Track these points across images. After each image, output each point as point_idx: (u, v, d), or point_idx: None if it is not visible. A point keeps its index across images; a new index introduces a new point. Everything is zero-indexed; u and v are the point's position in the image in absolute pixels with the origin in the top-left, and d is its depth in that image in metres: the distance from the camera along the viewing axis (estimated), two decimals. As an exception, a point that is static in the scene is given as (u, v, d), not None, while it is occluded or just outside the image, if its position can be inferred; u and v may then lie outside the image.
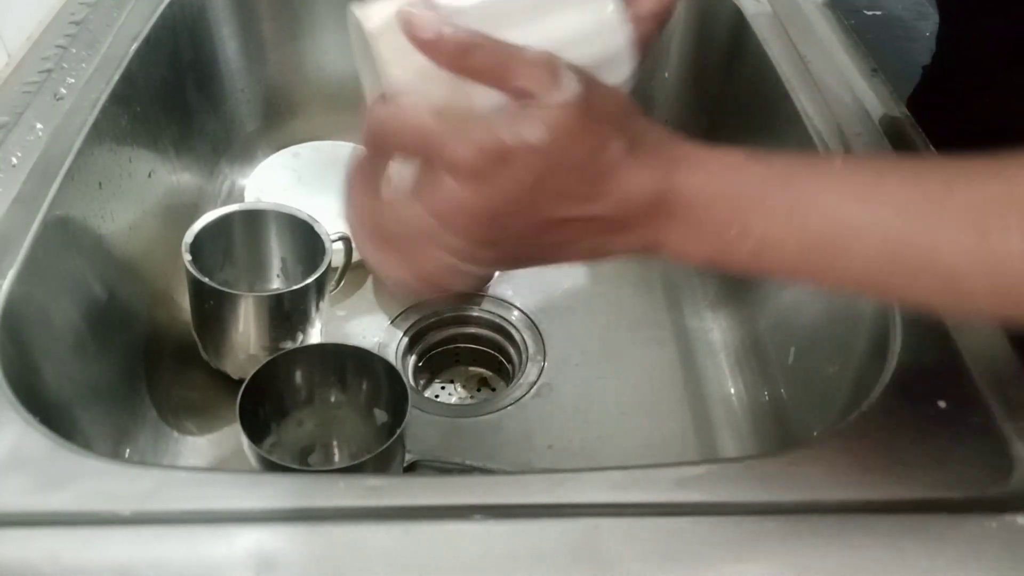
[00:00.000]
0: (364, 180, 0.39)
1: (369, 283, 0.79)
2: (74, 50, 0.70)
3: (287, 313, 0.64)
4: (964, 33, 0.72)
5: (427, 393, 0.73)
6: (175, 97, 0.78)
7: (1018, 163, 0.34)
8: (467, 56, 0.36)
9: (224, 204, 0.78)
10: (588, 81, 0.36)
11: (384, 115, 0.37)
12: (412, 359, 0.74)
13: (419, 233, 0.37)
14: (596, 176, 0.36)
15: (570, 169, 0.36)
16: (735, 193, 0.37)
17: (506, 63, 0.36)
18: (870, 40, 0.78)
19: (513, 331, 0.74)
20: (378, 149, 0.38)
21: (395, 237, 0.38)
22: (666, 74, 0.88)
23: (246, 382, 0.56)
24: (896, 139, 0.65)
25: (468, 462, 0.62)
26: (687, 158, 0.38)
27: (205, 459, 0.65)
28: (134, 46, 0.71)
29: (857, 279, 0.38)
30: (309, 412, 0.61)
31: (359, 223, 0.40)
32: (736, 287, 0.76)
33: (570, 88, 0.35)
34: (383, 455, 0.53)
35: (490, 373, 0.76)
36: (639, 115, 0.38)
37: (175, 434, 0.66)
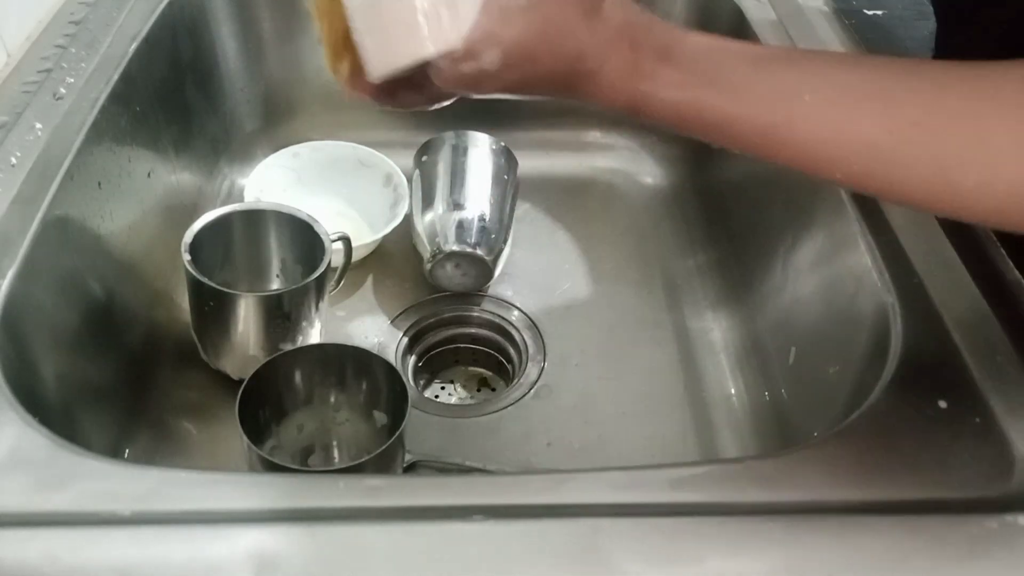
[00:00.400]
0: None
1: (369, 283, 0.79)
2: (73, 50, 0.70)
3: (287, 313, 0.64)
4: (961, 34, 0.72)
5: (427, 393, 0.73)
6: (174, 97, 0.78)
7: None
8: None
9: (223, 204, 0.78)
10: None
11: None
12: (412, 359, 0.74)
13: None
14: (564, 83, 0.43)
15: (534, 76, 0.42)
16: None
17: None
18: (870, 40, 0.78)
19: (513, 331, 0.74)
20: None
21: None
22: (666, 74, 0.88)
23: (246, 382, 0.56)
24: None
25: (468, 462, 0.62)
26: (658, 76, 0.42)
27: (205, 459, 0.65)
28: (133, 46, 0.71)
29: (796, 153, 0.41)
30: (309, 412, 0.61)
31: None
32: (737, 287, 0.76)
33: None
34: (383, 455, 0.53)
35: (490, 373, 0.76)
36: None
37: (175, 434, 0.66)
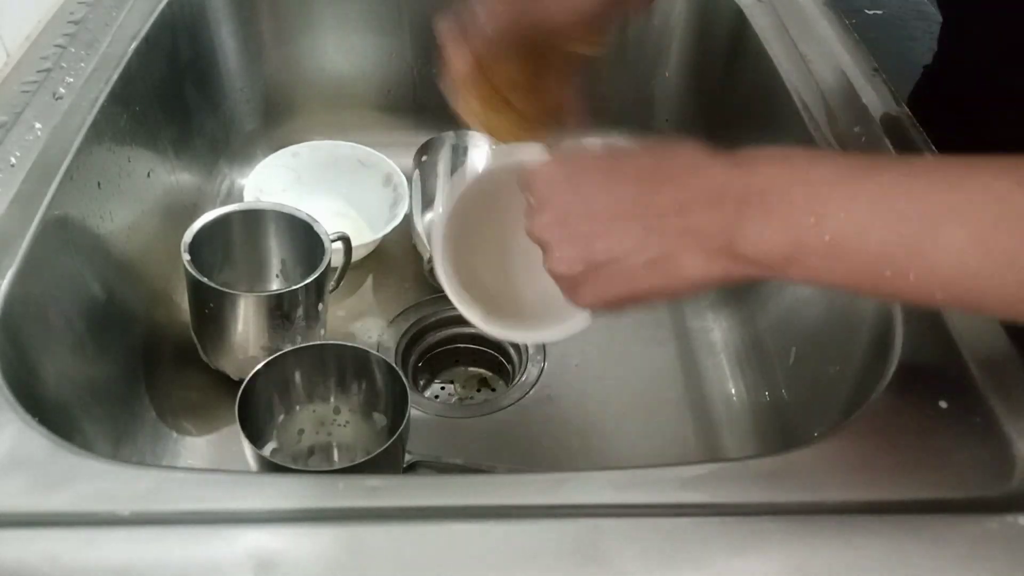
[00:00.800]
0: None
1: (369, 283, 0.79)
2: (73, 49, 0.70)
3: (286, 313, 0.64)
4: (966, 33, 0.72)
5: (427, 393, 0.73)
6: (174, 97, 0.78)
7: None
8: None
9: (223, 204, 0.78)
10: None
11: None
12: (412, 359, 0.74)
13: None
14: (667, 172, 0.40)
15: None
16: (812, 179, 0.37)
17: None
18: (871, 39, 0.78)
19: (513, 331, 0.74)
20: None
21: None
22: (666, 74, 0.88)
23: (245, 382, 0.56)
24: (897, 138, 0.65)
25: (468, 462, 0.62)
26: (758, 155, 0.38)
27: (204, 459, 0.65)
28: (133, 45, 0.71)
29: (944, 275, 0.36)
30: (309, 413, 0.61)
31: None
32: (737, 288, 0.76)
33: None
34: (383, 455, 0.53)
35: (490, 373, 0.76)
36: None
37: (174, 434, 0.66)
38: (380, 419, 0.60)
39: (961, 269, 0.35)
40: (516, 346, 0.74)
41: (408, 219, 0.77)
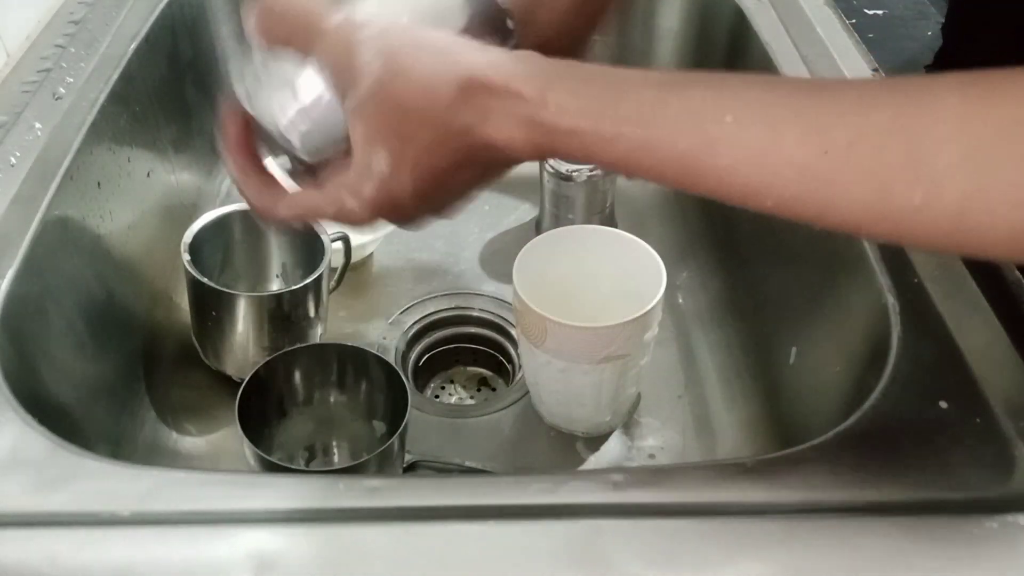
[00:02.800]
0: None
1: (369, 283, 0.79)
2: (73, 49, 0.70)
3: (286, 313, 0.64)
4: (967, 32, 0.72)
5: (427, 393, 0.73)
6: (174, 96, 0.78)
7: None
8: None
9: (223, 204, 0.78)
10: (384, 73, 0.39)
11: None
12: (412, 359, 0.74)
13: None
14: (465, 155, 0.40)
15: (433, 162, 0.40)
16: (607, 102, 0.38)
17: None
18: (871, 40, 0.78)
19: (513, 331, 0.74)
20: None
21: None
22: (666, 74, 0.88)
23: (245, 382, 0.56)
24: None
25: (468, 462, 0.62)
26: (547, 104, 0.38)
27: (204, 460, 0.65)
28: (133, 45, 0.71)
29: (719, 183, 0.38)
30: (309, 412, 0.61)
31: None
32: (737, 287, 0.76)
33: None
34: (383, 455, 0.53)
35: (490, 373, 0.76)
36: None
37: (174, 435, 0.66)
38: (380, 419, 0.60)
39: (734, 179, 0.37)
40: (516, 346, 0.74)
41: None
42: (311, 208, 0.44)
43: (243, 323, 0.64)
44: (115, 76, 0.67)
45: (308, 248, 0.67)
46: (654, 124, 0.37)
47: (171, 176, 0.76)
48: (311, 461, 0.63)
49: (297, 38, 0.41)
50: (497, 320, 0.76)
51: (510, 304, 0.76)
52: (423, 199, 0.41)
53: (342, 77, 0.40)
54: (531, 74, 0.39)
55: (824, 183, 0.35)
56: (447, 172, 0.41)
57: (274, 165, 0.47)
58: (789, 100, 0.37)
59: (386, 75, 0.39)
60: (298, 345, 0.63)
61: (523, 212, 0.86)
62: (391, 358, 0.68)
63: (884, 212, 0.34)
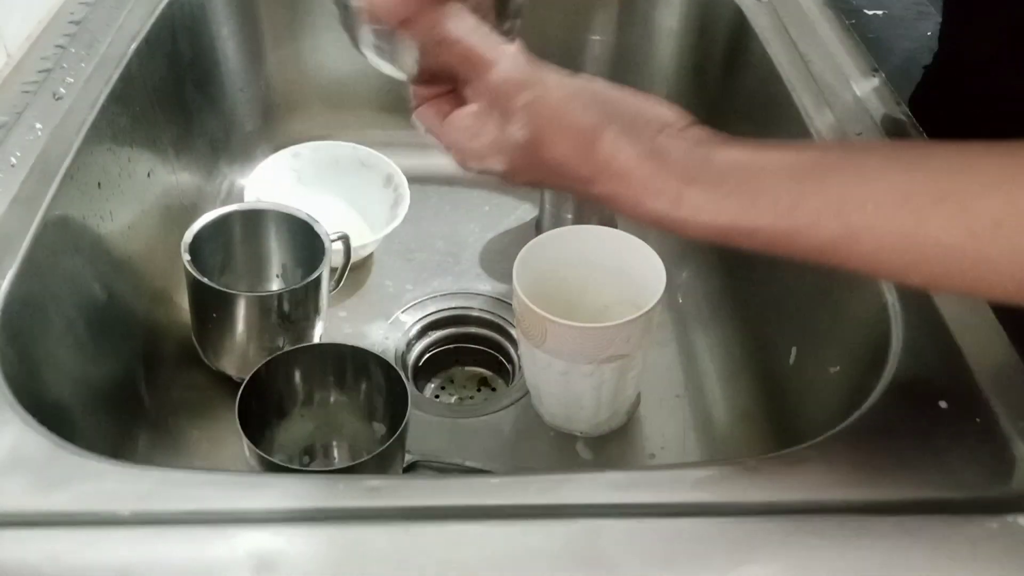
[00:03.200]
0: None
1: (369, 283, 0.79)
2: (73, 50, 0.70)
3: (287, 313, 0.64)
4: (967, 32, 0.72)
5: (427, 393, 0.73)
6: (174, 97, 0.78)
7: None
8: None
9: (223, 204, 0.78)
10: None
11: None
12: (412, 359, 0.74)
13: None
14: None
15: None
16: (767, 165, 0.39)
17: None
18: (871, 40, 0.78)
19: (513, 331, 0.74)
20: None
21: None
22: (666, 74, 0.88)
23: (245, 382, 0.56)
24: (897, 139, 0.65)
25: (468, 462, 0.62)
26: (687, 201, 0.40)
27: (205, 459, 0.65)
28: (133, 46, 0.71)
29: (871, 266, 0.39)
30: (309, 412, 0.61)
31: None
32: (737, 287, 0.76)
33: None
34: (383, 455, 0.53)
35: (490, 373, 0.76)
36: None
37: (175, 434, 0.66)
38: (380, 419, 0.60)
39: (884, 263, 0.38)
40: (516, 346, 0.74)
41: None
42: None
43: (243, 323, 0.64)
44: (115, 76, 0.67)
45: (308, 248, 0.67)
46: (793, 218, 0.38)
47: (171, 176, 0.76)
48: (311, 461, 0.63)
49: (463, 68, 0.42)
50: (497, 320, 0.76)
51: (510, 304, 0.76)
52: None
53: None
54: (669, 172, 0.40)
55: (973, 262, 0.35)
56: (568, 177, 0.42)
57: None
58: (930, 181, 0.37)
59: (532, 144, 0.41)
60: (298, 345, 0.63)
61: (523, 212, 0.86)
62: (391, 358, 0.68)
63: None
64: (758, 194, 0.39)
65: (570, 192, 0.45)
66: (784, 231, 0.38)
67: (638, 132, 0.41)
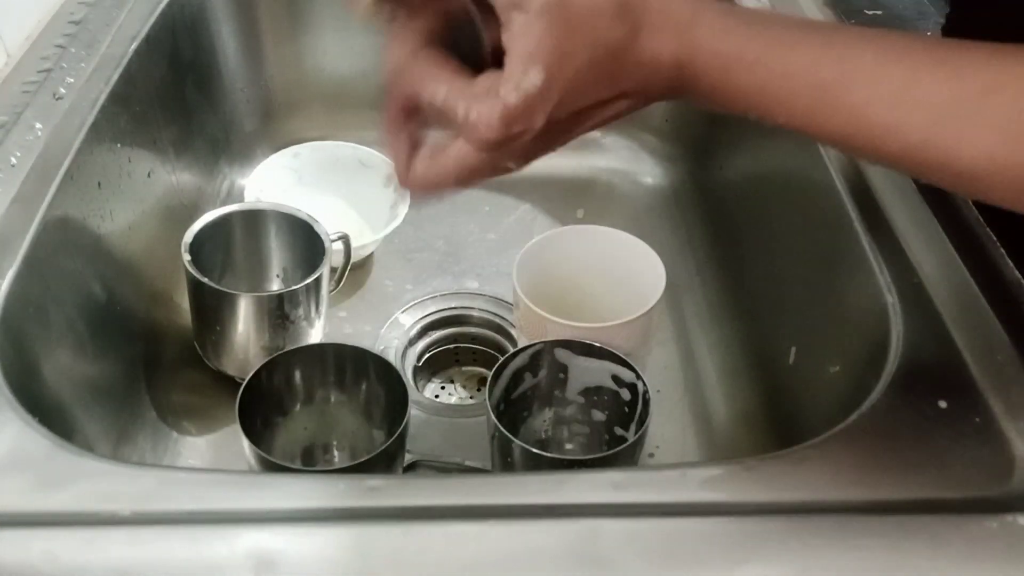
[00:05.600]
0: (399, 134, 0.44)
1: (369, 283, 0.79)
2: (73, 50, 0.70)
3: (287, 313, 0.64)
4: (969, 32, 0.72)
5: (427, 393, 0.73)
6: (174, 97, 0.78)
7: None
8: None
9: (224, 204, 0.78)
10: None
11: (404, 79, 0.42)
12: (412, 359, 0.74)
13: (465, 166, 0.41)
14: (609, 76, 0.40)
15: (581, 84, 0.39)
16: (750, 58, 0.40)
17: None
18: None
19: (513, 331, 0.74)
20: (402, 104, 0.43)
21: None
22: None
23: (245, 382, 0.56)
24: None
25: (468, 462, 0.62)
26: (699, 23, 0.40)
27: (205, 459, 0.65)
28: (133, 46, 0.71)
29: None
30: (309, 412, 0.61)
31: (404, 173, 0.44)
32: (737, 287, 0.76)
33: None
34: (383, 455, 0.53)
35: (490, 373, 0.75)
36: None
37: (175, 434, 0.66)
38: (380, 419, 0.60)
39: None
40: (516, 346, 0.74)
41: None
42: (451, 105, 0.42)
43: (243, 323, 0.64)
44: (115, 76, 0.67)
45: (308, 248, 0.67)
46: (796, 52, 0.39)
47: (171, 176, 0.76)
48: (311, 461, 0.63)
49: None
50: (497, 320, 0.76)
51: (510, 304, 0.76)
52: (555, 127, 0.41)
53: None
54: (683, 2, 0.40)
55: (954, 129, 0.36)
56: (591, 99, 0.41)
57: None
58: (928, 46, 0.38)
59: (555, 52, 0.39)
60: (298, 345, 0.63)
61: (523, 212, 0.86)
62: (391, 358, 0.68)
63: (1009, 163, 0.35)
64: (767, 26, 0.40)
65: (595, 70, 0.40)
66: (782, 67, 0.39)
67: None
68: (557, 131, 0.41)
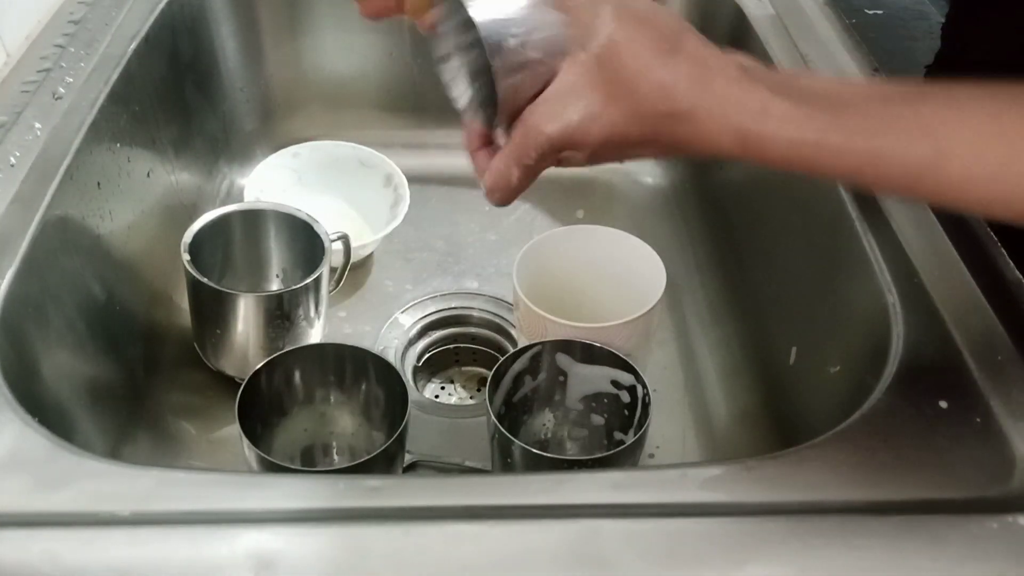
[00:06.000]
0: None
1: (369, 283, 0.79)
2: (73, 49, 0.70)
3: (286, 313, 0.64)
4: (967, 32, 0.72)
5: (427, 393, 0.73)
6: (174, 97, 0.78)
7: None
8: None
9: (223, 204, 0.78)
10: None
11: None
12: (412, 359, 0.74)
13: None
14: (655, 147, 0.41)
15: (621, 144, 0.41)
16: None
17: None
18: (871, 39, 0.78)
19: (513, 331, 0.74)
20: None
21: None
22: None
23: (245, 382, 0.56)
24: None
25: (468, 462, 0.62)
26: (769, 116, 0.38)
27: (204, 460, 0.65)
28: (133, 45, 0.71)
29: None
30: (308, 412, 0.61)
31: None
32: (736, 287, 0.76)
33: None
34: (383, 455, 0.53)
35: (490, 373, 0.75)
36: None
37: (175, 434, 0.66)
38: (380, 419, 0.60)
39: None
40: (516, 346, 0.74)
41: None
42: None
43: (243, 323, 0.64)
44: (115, 76, 0.67)
45: (308, 248, 0.67)
46: (884, 136, 0.37)
47: (171, 176, 0.76)
48: (311, 461, 0.63)
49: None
50: (497, 320, 0.76)
51: (510, 304, 0.76)
52: (592, 153, 0.42)
53: (578, 29, 0.40)
54: (755, 82, 0.38)
55: None
56: (630, 143, 0.41)
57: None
58: (1015, 107, 0.36)
59: (619, 36, 0.39)
60: (298, 345, 0.63)
61: (523, 212, 0.86)
62: (391, 358, 0.68)
63: None
64: (847, 111, 0.37)
65: (640, 132, 0.41)
66: (874, 151, 0.37)
67: (713, 50, 0.40)
68: (599, 156, 0.43)
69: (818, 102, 0.38)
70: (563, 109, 0.40)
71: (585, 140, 0.41)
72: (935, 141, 0.36)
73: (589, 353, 0.58)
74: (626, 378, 0.58)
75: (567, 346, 0.59)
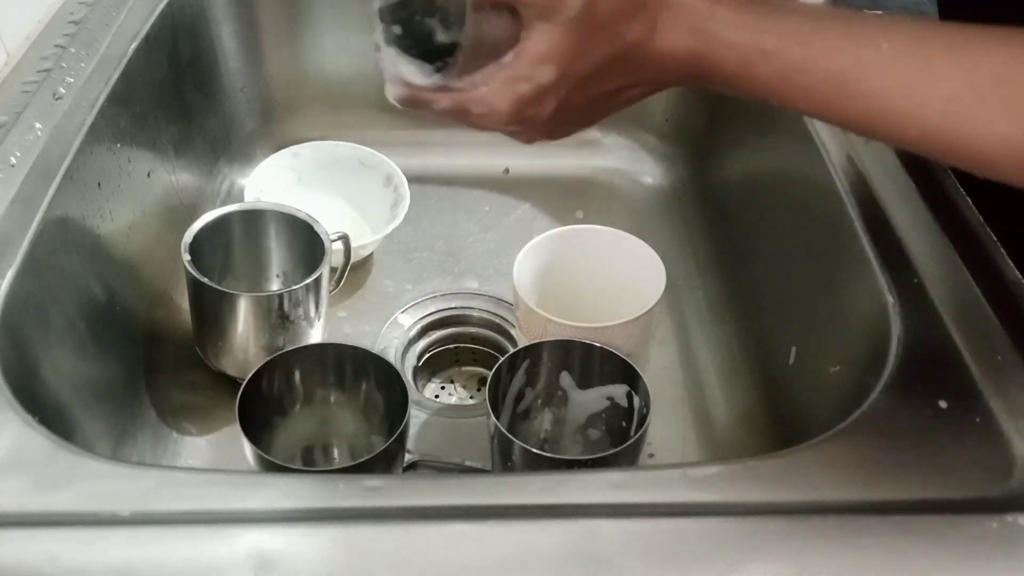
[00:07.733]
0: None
1: (369, 283, 0.79)
2: (73, 50, 0.70)
3: (286, 313, 0.64)
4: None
5: (427, 393, 0.73)
6: (174, 97, 0.78)
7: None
8: None
9: (223, 204, 0.78)
10: None
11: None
12: (412, 359, 0.74)
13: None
14: (625, 69, 0.42)
15: (597, 76, 0.42)
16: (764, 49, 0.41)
17: None
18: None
19: (513, 331, 0.74)
20: None
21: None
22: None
23: (245, 382, 0.56)
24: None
25: (468, 462, 0.62)
26: (715, 17, 0.41)
27: (205, 460, 0.65)
28: (133, 45, 0.71)
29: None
30: (309, 412, 0.61)
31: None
32: (736, 287, 0.76)
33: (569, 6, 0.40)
34: (383, 455, 0.53)
35: (490, 373, 0.75)
36: None
37: (174, 434, 0.66)
38: (380, 419, 0.60)
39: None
40: (516, 346, 0.74)
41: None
42: (458, 100, 0.44)
43: (243, 323, 0.64)
44: (115, 76, 0.67)
45: (308, 248, 0.67)
46: (813, 43, 0.40)
47: (171, 176, 0.76)
48: (311, 461, 0.63)
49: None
50: (497, 320, 0.76)
51: (510, 304, 0.76)
52: (565, 115, 0.43)
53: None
54: None
55: (969, 115, 0.37)
56: (603, 93, 0.43)
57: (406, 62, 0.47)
58: (941, 33, 0.39)
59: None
60: (298, 345, 0.63)
61: (523, 212, 0.86)
62: (391, 358, 0.68)
63: (1018, 148, 0.36)
64: (784, 18, 0.41)
65: (603, 54, 0.42)
66: (799, 57, 0.40)
67: None
68: (573, 113, 0.44)
69: (760, 10, 0.41)
70: (530, 76, 0.41)
71: (556, 98, 0.42)
72: (858, 51, 0.39)
73: (588, 367, 0.59)
74: (627, 390, 0.58)
75: (566, 357, 0.59)
